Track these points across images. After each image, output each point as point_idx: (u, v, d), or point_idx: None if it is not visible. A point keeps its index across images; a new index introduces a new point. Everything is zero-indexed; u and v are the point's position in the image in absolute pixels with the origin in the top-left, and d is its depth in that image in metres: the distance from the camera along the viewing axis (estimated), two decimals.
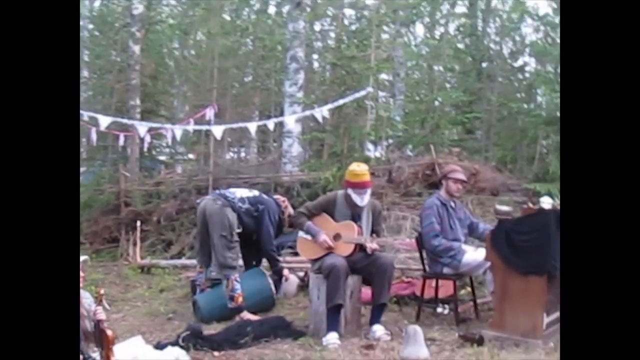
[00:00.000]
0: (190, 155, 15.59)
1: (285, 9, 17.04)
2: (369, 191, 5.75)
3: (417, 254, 6.55)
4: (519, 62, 16.58)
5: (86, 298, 4.08)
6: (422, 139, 11.86)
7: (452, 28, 17.72)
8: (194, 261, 7.90)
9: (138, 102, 13.36)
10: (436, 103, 12.88)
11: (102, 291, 4.14)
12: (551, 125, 10.37)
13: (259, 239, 6.74)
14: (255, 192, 6.95)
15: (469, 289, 6.41)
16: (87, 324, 3.98)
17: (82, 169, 12.15)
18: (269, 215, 6.69)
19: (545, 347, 4.81)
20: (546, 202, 5.16)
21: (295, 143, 12.03)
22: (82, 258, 3.96)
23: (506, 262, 5.06)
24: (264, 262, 7.00)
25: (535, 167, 11.02)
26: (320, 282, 5.59)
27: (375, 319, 5.54)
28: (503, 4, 17.11)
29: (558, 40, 12.78)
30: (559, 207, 5.16)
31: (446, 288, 6.25)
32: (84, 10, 16.99)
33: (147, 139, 9.94)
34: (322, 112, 9.76)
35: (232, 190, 6.92)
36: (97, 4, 19.60)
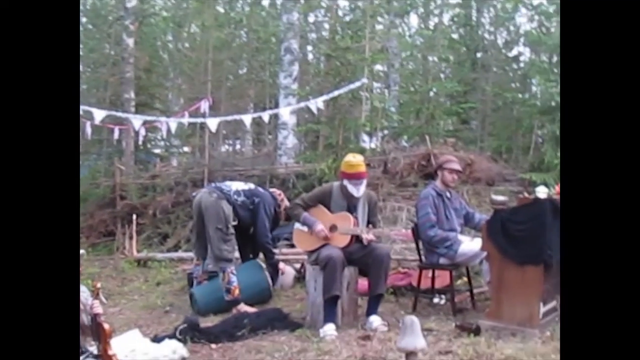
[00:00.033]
0: (186, 148, 15.57)
1: (279, 0, 16.99)
2: (364, 182, 5.74)
3: (413, 245, 6.56)
4: (514, 52, 16.61)
5: (83, 292, 4.07)
6: (417, 129, 11.86)
7: (446, 18, 17.68)
8: (191, 254, 7.92)
9: (132, 95, 13.35)
10: (431, 94, 12.87)
11: (98, 285, 4.12)
12: (546, 115, 10.37)
13: (254, 232, 6.74)
14: (251, 185, 6.95)
15: (465, 279, 6.43)
16: (84, 318, 3.98)
17: None
18: (265, 208, 6.68)
19: (541, 336, 4.83)
20: (542, 192, 5.17)
21: (290, 135, 12.04)
22: None
23: (502, 252, 5.07)
24: (261, 255, 7.00)
25: (530, 157, 11.04)
26: (317, 273, 5.59)
27: (372, 310, 5.56)
28: None
29: (552, 30, 12.79)
30: (554, 197, 5.18)
31: (443, 278, 6.27)
32: None
33: (142, 132, 9.94)
34: (317, 103, 9.76)
35: (227, 183, 6.92)
36: None
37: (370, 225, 5.75)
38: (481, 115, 14.65)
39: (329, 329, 5.25)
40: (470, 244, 5.90)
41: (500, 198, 5.59)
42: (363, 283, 5.84)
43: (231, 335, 5.32)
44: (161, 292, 7.43)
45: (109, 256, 9.53)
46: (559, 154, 8.84)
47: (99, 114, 9.06)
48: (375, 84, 14.93)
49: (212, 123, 9.62)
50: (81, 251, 4.67)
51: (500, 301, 5.09)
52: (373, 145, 11.77)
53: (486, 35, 16.70)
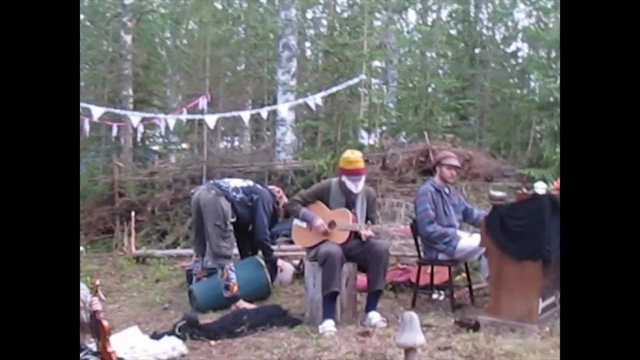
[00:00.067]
0: (184, 145, 15.57)
1: None
2: (363, 178, 5.74)
3: (412, 241, 6.56)
4: (512, 48, 16.61)
5: (82, 289, 4.07)
6: (416, 125, 11.86)
7: (444, 14, 17.68)
8: (189, 251, 7.91)
9: (131, 92, 13.33)
10: (429, 89, 12.87)
11: (97, 282, 4.12)
12: (545, 111, 10.37)
13: (253, 229, 6.74)
14: (250, 182, 6.95)
15: (464, 275, 6.43)
16: (83, 315, 3.98)
17: None
18: (263, 205, 6.68)
19: (540, 331, 4.84)
20: (540, 187, 5.17)
21: (288, 131, 12.02)
22: None
23: (501, 247, 5.07)
24: (260, 252, 7.00)
25: (529, 153, 11.05)
26: (315, 270, 5.59)
27: (371, 306, 5.56)
28: None
29: (551, 25, 12.79)
30: (552, 192, 5.19)
31: (441, 274, 6.27)
32: None
33: (141, 129, 9.91)
34: (315, 100, 9.75)
35: (226, 180, 6.92)
36: None
37: (369, 222, 5.75)
38: (479, 111, 14.65)
39: (328, 325, 5.25)
40: (469, 240, 5.89)
41: (499, 194, 5.59)
42: (362, 279, 5.85)
43: (230, 331, 5.32)
44: (160, 289, 7.43)
45: (108, 253, 9.53)
46: (557, 150, 8.85)
47: (97, 111, 9.06)
48: (374, 80, 14.94)
49: (211, 120, 9.61)
50: (80, 248, 4.66)
51: (499, 297, 5.10)
52: (371, 142, 11.78)
53: (484, 31, 16.69)
